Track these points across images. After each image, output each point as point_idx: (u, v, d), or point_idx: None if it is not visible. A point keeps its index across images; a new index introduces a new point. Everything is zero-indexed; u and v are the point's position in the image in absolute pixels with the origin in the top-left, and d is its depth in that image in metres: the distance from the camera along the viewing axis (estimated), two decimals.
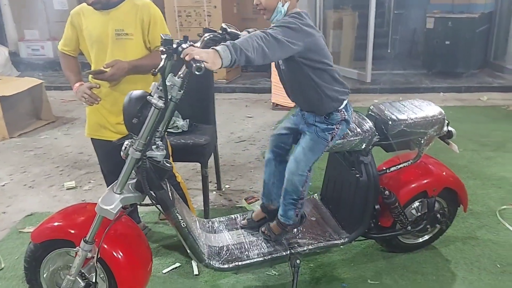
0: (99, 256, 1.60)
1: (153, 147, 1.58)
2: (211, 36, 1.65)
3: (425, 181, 2.06)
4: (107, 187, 2.24)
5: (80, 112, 4.94)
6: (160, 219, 2.59)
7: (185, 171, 3.27)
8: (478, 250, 2.28)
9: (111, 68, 1.93)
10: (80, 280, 1.66)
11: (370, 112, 2.02)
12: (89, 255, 1.61)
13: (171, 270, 2.17)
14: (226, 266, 1.81)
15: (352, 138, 1.86)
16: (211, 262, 1.79)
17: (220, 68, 1.39)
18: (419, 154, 2.01)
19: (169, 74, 1.50)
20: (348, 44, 6.39)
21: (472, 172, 3.18)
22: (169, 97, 1.49)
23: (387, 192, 1.96)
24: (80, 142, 3.99)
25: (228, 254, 1.86)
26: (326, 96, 1.73)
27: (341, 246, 2.02)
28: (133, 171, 1.58)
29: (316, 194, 2.31)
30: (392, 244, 2.19)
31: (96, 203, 1.59)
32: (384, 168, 2.05)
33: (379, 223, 2.05)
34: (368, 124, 1.91)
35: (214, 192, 3.00)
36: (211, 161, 2.69)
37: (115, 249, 1.65)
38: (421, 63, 6.51)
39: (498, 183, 3.01)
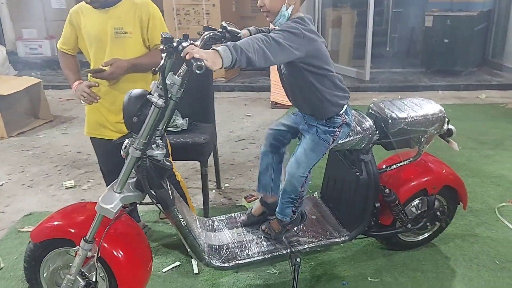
0: (99, 255, 1.60)
1: (153, 146, 1.57)
2: (211, 34, 1.64)
3: (425, 179, 2.06)
4: (107, 186, 2.24)
5: (79, 111, 4.93)
6: (160, 218, 2.58)
7: (185, 170, 3.27)
8: (477, 247, 2.28)
9: (110, 66, 1.93)
10: (80, 279, 1.65)
11: (370, 111, 2.02)
12: (89, 254, 1.61)
13: (171, 269, 2.16)
14: (226, 264, 1.81)
15: (352, 137, 1.86)
16: (212, 261, 1.79)
17: (221, 68, 1.38)
18: (419, 152, 2.02)
19: (169, 73, 1.50)
20: (347, 42, 6.39)
21: (471, 170, 3.19)
22: (169, 95, 1.48)
23: (387, 190, 1.97)
24: (78, 141, 3.98)
25: (228, 252, 1.86)
26: (327, 101, 1.73)
27: (342, 244, 2.03)
28: (133, 170, 1.58)
29: (316, 193, 2.32)
30: (392, 242, 2.20)
31: (95, 202, 1.59)
32: (384, 166, 2.06)
33: (379, 221, 2.06)
34: (368, 123, 1.91)
35: (214, 191, 3.00)
36: (210, 160, 2.68)
37: (115, 248, 1.64)
38: (419, 61, 6.51)
39: (497, 180, 3.02)
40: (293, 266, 1.89)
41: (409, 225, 2.06)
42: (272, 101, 4.97)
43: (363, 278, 2.07)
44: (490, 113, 4.68)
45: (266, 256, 1.86)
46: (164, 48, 1.42)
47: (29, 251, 1.70)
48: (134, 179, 1.61)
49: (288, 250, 1.89)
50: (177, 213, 1.66)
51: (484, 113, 4.68)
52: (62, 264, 1.73)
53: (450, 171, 2.15)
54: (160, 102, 1.47)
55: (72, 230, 1.65)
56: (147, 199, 1.63)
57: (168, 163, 1.61)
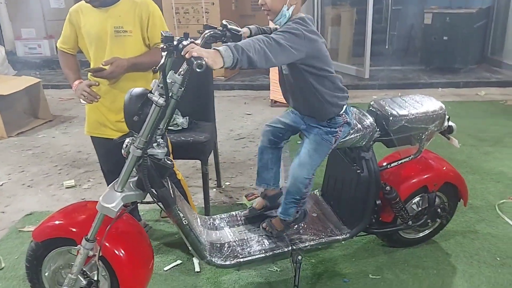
0: (100, 254, 1.60)
1: (154, 144, 1.57)
2: (212, 32, 1.64)
3: (425, 176, 2.06)
4: (107, 185, 2.24)
5: (78, 111, 4.92)
6: (162, 217, 2.59)
7: (185, 169, 3.27)
8: (477, 243, 2.29)
9: (110, 65, 1.93)
10: (82, 279, 1.65)
11: (371, 108, 2.01)
12: (91, 253, 1.61)
13: (172, 267, 2.17)
14: (227, 262, 1.81)
15: (353, 135, 1.86)
16: (213, 259, 1.79)
17: (222, 67, 1.37)
18: (419, 150, 2.02)
19: (170, 71, 1.49)
20: (346, 40, 6.39)
21: (471, 167, 3.19)
22: (170, 94, 1.48)
23: (388, 187, 1.97)
24: (78, 140, 3.98)
25: (229, 250, 1.86)
26: (327, 103, 1.74)
27: (343, 242, 2.03)
28: (134, 169, 1.58)
29: (317, 190, 2.32)
30: (393, 239, 2.20)
31: (96, 201, 1.59)
32: (385, 163, 2.06)
33: (380, 219, 2.06)
34: (369, 120, 1.91)
35: (214, 189, 3.00)
36: (211, 159, 2.68)
37: (116, 247, 1.65)
38: (419, 59, 6.52)
39: (497, 177, 3.02)
40: (294, 264, 1.89)
41: (410, 222, 2.07)
42: (271, 100, 4.97)
43: (364, 275, 2.08)
44: (489, 110, 4.68)
45: (267, 254, 1.86)
46: (165, 47, 1.42)
47: (31, 250, 1.70)
48: (135, 178, 1.61)
49: (289, 248, 1.89)
50: (178, 211, 1.66)
51: (484, 110, 4.68)
52: (64, 263, 1.73)
53: (450, 168, 2.15)
54: (161, 101, 1.47)
55: (74, 229, 1.65)
56: (148, 198, 1.63)
57: (169, 162, 1.61)
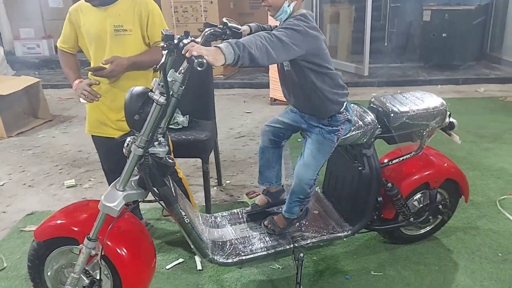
0: (103, 253, 1.60)
1: (155, 143, 1.57)
2: (212, 31, 1.64)
3: (427, 172, 2.06)
4: (108, 184, 2.25)
5: (78, 110, 4.92)
6: (164, 216, 2.59)
7: (186, 167, 3.27)
8: (479, 239, 2.29)
9: (110, 64, 1.92)
10: (84, 278, 1.65)
11: (372, 105, 2.02)
12: (93, 252, 1.61)
13: (174, 266, 2.17)
14: (230, 260, 1.81)
15: (354, 132, 1.86)
16: (215, 257, 1.79)
17: (223, 64, 1.37)
18: (421, 146, 2.02)
19: (170, 70, 1.49)
20: (345, 38, 6.39)
21: (471, 163, 3.20)
22: (171, 93, 1.48)
23: (389, 184, 1.97)
24: (78, 140, 3.97)
25: (231, 248, 1.86)
26: (328, 100, 1.74)
27: (344, 239, 2.03)
28: (135, 168, 1.57)
29: (318, 188, 2.31)
30: (395, 235, 2.20)
31: (97, 200, 1.59)
32: (386, 160, 2.06)
33: (381, 215, 2.06)
34: (370, 117, 1.91)
35: (215, 188, 3.00)
36: (211, 157, 2.68)
37: (119, 246, 1.64)
38: (418, 56, 6.52)
39: (497, 173, 3.03)
40: (296, 261, 1.89)
41: (411, 219, 2.07)
42: (271, 98, 4.97)
43: (366, 272, 2.08)
44: (489, 106, 4.69)
45: (269, 252, 1.86)
46: (165, 46, 1.42)
47: (33, 250, 1.70)
48: (137, 177, 1.61)
49: (291, 245, 1.89)
50: (180, 210, 1.66)
51: (483, 106, 4.69)
52: (66, 263, 1.74)
53: (451, 165, 2.15)
54: (162, 99, 1.47)
55: (76, 229, 1.65)
56: (150, 196, 1.63)
57: (170, 161, 1.61)
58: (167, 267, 2.16)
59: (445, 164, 2.14)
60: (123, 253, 1.64)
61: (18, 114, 4.44)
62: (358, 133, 1.87)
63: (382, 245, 2.27)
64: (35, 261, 1.71)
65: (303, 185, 1.81)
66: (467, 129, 3.84)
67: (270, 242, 1.91)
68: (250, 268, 2.12)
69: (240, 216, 2.08)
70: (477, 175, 3.00)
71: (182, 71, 1.49)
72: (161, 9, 2.13)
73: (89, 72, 2.00)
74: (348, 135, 1.86)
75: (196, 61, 1.28)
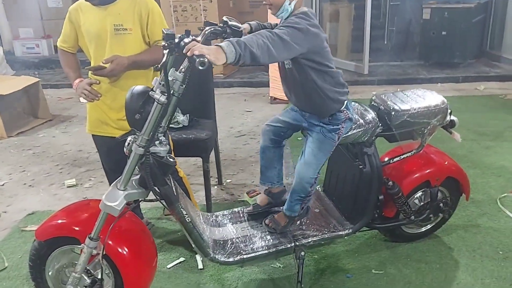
0: (104, 252, 1.60)
1: (156, 142, 1.57)
2: (212, 29, 1.64)
3: (428, 170, 2.06)
4: (109, 184, 2.25)
5: (77, 110, 4.91)
6: (165, 215, 2.59)
7: (186, 166, 3.26)
8: (479, 237, 2.29)
9: (110, 63, 1.92)
10: (85, 277, 1.65)
11: (372, 103, 2.01)
12: (94, 252, 1.61)
13: (175, 265, 2.17)
14: (231, 259, 1.81)
15: (355, 130, 1.86)
16: (216, 256, 1.79)
17: (225, 63, 1.37)
18: (422, 144, 2.02)
19: (171, 69, 1.49)
20: (345, 36, 6.38)
21: (471, 161, 3.20)
22: (171, 92, 1.48)
23: (390, 182, 1.97)
24: (78, 140, 3.97)
25: (233, 247, 1.86)
26: (328, 98, 1.73)
27: (345, 237, 2.03)
28: (136, 167, 1.57)
29: (319, 186, 2.31)
30: (396, 234, 2.20)
31: (99, 200, 1.59)
32: (387, 158, 2.06)
33: (382, 214, 2.06)
34: (371, 115, 1.91)
35: (216, 187, 3.00)
36: (211, 156, 2.68)
37: (120, 245, 1.65)
38: (418, 54, 6.50)
39: (498, 171, 3.03)
40: (298, 260, 1.89)
41: (412, 217, 2.07)
42: (271, 97, 4.96)
43: (367, 270, 2.08)
44: (489, 104, 4.68)
45: (270, 250, 1.86)
46: (166, 45, 1.41)
47: (34, 249, 1.70)
48: (138, 176, 1.61)
49: (292, 244, 1.89)
50: (182, 209, 1.66)
51: (483, 104, 4.68)
52: (67, 262, 1.74)
53: (452, 163, 2.15)
54: (163, 98, 1.46)
55: (77, 228, 1.65)
56: (151, 195, 1.63)
57: (171, 160, 1.60)
58: (168, 266, 2.16)
59: (446, 162, 2.14)
60: (125, 253, 1.65)
61: (18, 114, 4.44)
62: (359, 131, 1.87)
63: (383, 243, 2.27)
64: (37, 261, 1.71)
65: (304, 183, 1.81)
66: (467, 127, 3.84)
67: (271, 240, 1.91)
68: (251, 267, 2.12)
69: (241, 215, 2.08)
70: (478, 173, 3.00)
71: (183, 70, 1.49)
72: (160, 8, 2.12)
73: (90, 72, 2.00)
74: (349, 134, 1.86)
75: (197, 60, 1.28)
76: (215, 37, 1.68)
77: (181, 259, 2.21)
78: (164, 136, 1.61)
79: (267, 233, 1.95)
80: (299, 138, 1.97)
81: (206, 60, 1.29)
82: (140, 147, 1.52)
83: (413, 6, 6.70)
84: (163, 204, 1.65)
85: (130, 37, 2.00)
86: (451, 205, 2.18)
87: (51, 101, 5.05)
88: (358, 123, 1.87)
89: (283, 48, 1.48)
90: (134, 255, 1.67)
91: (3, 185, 3.18)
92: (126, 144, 1.58)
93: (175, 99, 1.51)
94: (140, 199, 1.66)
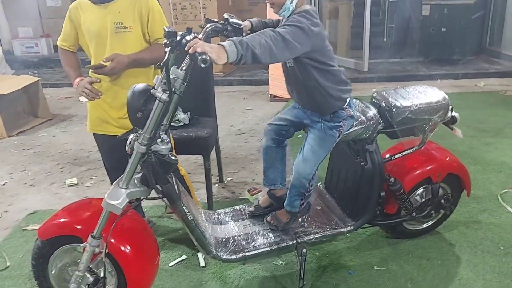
0: (107, 251, 1.60)
1: (158, 141, 1.57)
2: (213, 26, 1.63)
3: (429, 167, 2.07)
4: (110, 182, 2.25)
5: (77, 109, 4.91)
6: (167, 213, 2.59)
7: (187, 165, 3.26)
8: (481, 233, 2.30)
9: (110, 62, 1.92)
10: (88, 276, 1.65)
11: (374, 100, 2.01)
12: (97, 250, 1.61)
13: (177, 263, 2.17)
14: (233, 257, 1.81)
15: (357, 127, 1.86)
16: (219, 254, 1.79)
17: (226, 63, 1.36)
18: (423, 141, 2.02)
19: (172, 67, 1.49)
20: (344, 33, 6.38)
21: (472, 157, 3.20)
22: (173, 90, 1.48)
23: (392, 179, 1.97)
24: (79, 139, 3.97)
25: (235, 245, 1.86)
26: (330, 97, 1.73)
27: (347, 234, 2.03)
28: (138, 166, 1.57)
29: (320, 183, 2.32)
30: (397, 230, 2.21)
31: (100, 199, 1.59)
32: (389, 155, 2.06)
33: (384, 210, 2.06)
34: (372, 112, 1.90)
35: (217, 185, 3.00)
36: (212, 154, 2.68)
37: (122, 243, 1.65)
38: (417, 51, 6.51)
39: (498, 167, 3.03)
40: (299, 257, 1.89)
41: (414, 214, 2.07)
42: (271, 95, 4.96)
43: (369, 267, 2.08)
44: (489, 101, 4.69)
45: (272, 248, 1.87)
46: (168, 42, 1.41)
47: (37, 248, 1.70)
48: (140, 175, 1.61)
49: (294, 241, 1.89)
50: (184, 207, 1.66)
51: (483, 101, 4.69)
52: (70, 261, 1.74)
53: (454, 159, 2.15)
54: (164, 96, 1.46)
55: (79, 227, 1.65)
56: (153, 194, 1.63)
57: (173, 158, 1.61)
58: (170, 264, 2.16)
59: (447, 159, 2.15)
60: (127, 251, 1.65)
61: (18, 113, 4.44)
62: (360, 128, 1.87)
63: (385, 240, 2.28)
64: (39, 260, 1.71)
65: (302, 179, 1.81)
66: (467, 123, 3.84)
67: (273, 238, 1.91)
68: (253, 265, 2.12)
69: (243, 213, 2.08)
70: (479, 169, 3.00)
71: (184, 68, 1.49)
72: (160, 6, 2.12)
73: (90, 70, 2.00)
74: (350, 131, 1.85)
75: (199, 58, 1.28)
76: (216, 34, 1.67)
77: (183, 257, 2.21)
78: (165, 134, 1.61)
79: (269, 230, 1.95)
80: (299, 136, 1.97)
81: (208, 57, 1.28)
82: (142, 145, 1.52)
83: (412, 3, 6.68)
84: (165, 202, 1.65)
85: (130, 35, 2.00)
86: (452, 201, 2.19)
87: (51, 100, 5.05)
88: (359, 120, 1.87)
89: (285, 48, 1.47)
90: (136, 253, 1.67)
91: (4, 184, 3.18)
92: (128, 142, 1.58)
93: (177, 97, 1.51)
94: (142, 198, 1.66)
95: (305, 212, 1.96)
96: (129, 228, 1.71)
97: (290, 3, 1.60)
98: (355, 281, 2.00)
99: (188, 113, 2.60)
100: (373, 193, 1.96)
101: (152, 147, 1.54)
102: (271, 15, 1.70)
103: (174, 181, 1.70)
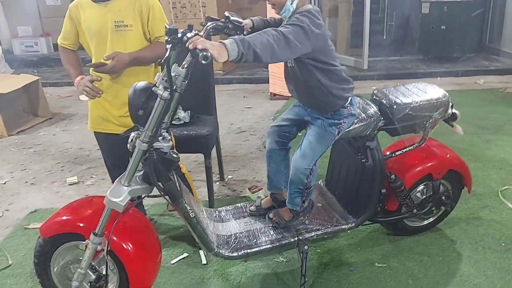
0: (109, 248, 1.60)
1: (160, 138, 1.57)
2: (214, 24, 1.64)
3: (430, 164, 2.07)
4: (111, 180, 2.26)
5: (77, 108, 4.90)
6: (169, 210, 2.59)
7: (187, 163, 3.27)
8: (482, 230, 2.30)
9: (111, 60, 1.92)
10: (90, 273, 1.66)
11: (374, 97, 2.01)
12: (99, 247, 1.61)
13: (179, 260, 2.18)
14: (235, 254, 1.82)
15: (357, 124, 1.86)
16: (221, 251, 1.80)
17: (227, 61, 1.36)
18: (424, 138, 2.02)
19: (174, 65, 1.49)
20: (344, 31, 6.37)
21: (472, 154, 3.20)
22: (174, 87, 1.48)
23: (393, 176, 1.98)
24: (79, 137, 3.97)
25: (236, 242, 1.87)
26: (332, 96, 1.73)
27: (348, 231, 2.04)
28: (140, 163, 1.58)
29: (321, 181, 2.32)
30: (398, 227, 2.21)
31: (102, 196, 1.60)
32: (389, 152, 2.06)
33: (385, 207, 2.07)
34: (373, 109, 1.91)
35: (217, 183, 3.00)
36: (213, 152, 2.68)
37: (124, 241, 1.65)
38: (417, 49, 6.51)
39: (499, 164, 3.04)
40: (301, 254, 1.90)
41: (414, 210, 2.08)
42: (271, 93, 4.95)
43: (370, 263, 2.09)
44: (489, 98, 4.69)
45: (274, 245, 1.87)
46: (169, 39, 1.41)
47: (39, 246, 1.70)
48: (141, 172, 1.61)
49: (296, 238, 1.90)
50: (185, 204, 1.67)
51: (483, 98, 4.69)
52: (72, 259, 1.74)
53: (454, 156, 2.16)
54: (166, 94, 1.47)
55: (81, 224, 1.66)
56: (155, 191, 1.63)
57: (174, 155, 1.61)
58: (172, 262, 2.17)
59: (448, 155, 2.15)
60: (129, 248, 1.65)
61: (18, 112, 4.44)
62: (361, 125, 1.87)
63: (386, 237, 2.28)
64: (41, 258, 1.72)
65: (300, 174, 1.81)
66: (467, 121, 3.84)
67: (275, 235, 1.91)
68: (254, 262, 2.12)
69: (244, 210, 2.09)
70: (479, 166, 3.01)
71: (185, 65, 1.49)
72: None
73: (91, 69, 2.00)
74: (351, 128, 1.86)
75: (200, 54, 1.28)
76: (217, 32, 1.68)
77: (185, 254, 2.21)
78: (167, 132, 1.61)
79: (270, 227, 1.95)
80: (299, 134, 1.96)
81: (209, 54, 1.29)
82: (143, 142, 1.52)
83: (412, 1, 6.69)
84: (167, 200, 1.65)
85: (131, 33, 2.00)
86: (453, 198, 2.19)
87: (50, 99, 5.04)
88: (360, 117, 1.87)
89: (287, 48, 1.47)
90: (138, 250, 1.68)
91: (4, 183, 3.18)
92: (130, 140, 1.58)
93: (178, 95, 1.52)
94: (144, 195, 1.66)
95: (308, 211, 1.95)
96: (131, 225, 1.71)
97: (291, 4, 1.60)
98: (356, 278, 2.01)
99: (189, 111, 2.60)
100: (374, 190, 1.97)
101: (153, 144, 1.54)
102: (271, 13, 1.70)
103: (176, 179, 1.71)
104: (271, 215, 1.96)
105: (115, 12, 1.97)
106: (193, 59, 1.44)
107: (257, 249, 1.85)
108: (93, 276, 1.66)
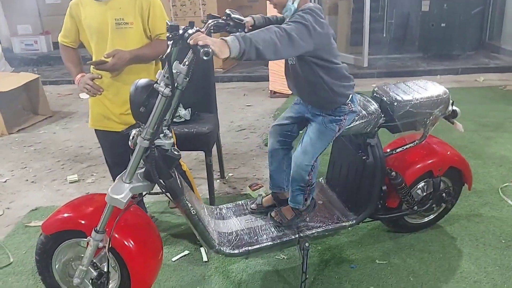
0: (110, 245, 1.60)
1: (161, 135, 1.57)
2: (215, 22, 1.64)
3: (430, 161, 2.07)
4: (112, 178, 2.26)
5: (77, 106, 4.89)
6: (170, 207, 2.59)
7: (188, 161, 3.27)
8: (482, 226, 2.31)
9: (112, 58, 1.92)
10: (92, 270, 1.66)
11: (375, 94, 2.01)
12: (101, 244, 1.61)
13: (180, 258, 2.18)
14: (236, 251, 1.82)
15: (358, 121, 1.86)
16: (222, 248, 1.80)
17: (228, 57, 1.36)
18: (424, 135, 2.02)
19: (175, 62, 1.49)
20: (344, 29, 6.37)
21: (472, 152, 3.21)
22: (175, 84, 1.48)
23: (393, 173, 1.98)
24: (79, 135, 3.96)
25: (237, 239, 1.87)
26: (334, 93, 1.73)
27: (349, 228, 2.04)
28: (141, 160, 1.58)
29: (321, 178, 2.32)
30: (399, 224, 2.22)
31: (103, 194, 1.60)
32: (390, 149, 2.06)
33: (386, 204, 2.07)
34: (374, 106, 1.91)
35: (218, 181, 3.01)
36: (213, 150, 2.68)
37: (126, 238, 1.65)
38: (417, 47, 6.52)
39: (499, 161, 3.04)
40: (302, 251, 1.90)
41: (415, 207, 2.08)
42: (271, 90, 4.96)
43: (371, 260, 2.09)
44: (489, 95, 4.69)
45: (275, 242, 1.87)
46: (170, 36, 1.41)
47: (41, 243, 1.71)
48: (143, 169, 1.62)
49: (297, 235, 1.90)
50: (187, 202, 1.67)
51: (483, 96, 4.69)
52: (74, 256, 1.75)
53: (455, 153, 2.16)
54: (167, 91, 1.46)
55: (83, 222, 1.66)
56: (156, 189, 1.63)
57: (176, 153, 1.61)
58: (173, 259, 2.17)
59: (448, 152, 2.15)
60: (131, 245, 1.65)
61: (18, 110, 4.44)
62: (362, 122, 1.88)
63: (386, 234, 2.29)
64: (43, 255, 1.72)
65: (301, 171, 1.81)
66: (467, 118, 3.84)
67: (276, 232, 1.92)
68: (255, 259, 2.13)
69: (245, 208, 2.09)
70: (479, 163, 3.01)
71: (187, 62, 1.49)
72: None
73: (91, 66, 2.00)
74: (352, 125, 1.86)
75: (201, 50, 1.28)
76: (218, 29, 1.67)
77: (186, 252, 2.22)
78: (168, 129, 1.61)
79: (271, 225, 1.96)
80: (300, 132, 1.97)
81: (210, 50, 1.29)
82: (145, 140, 1.52)
83: None
84: (168, 197, 1.65)
85: (131, 31, 2.00)
86: (453, 195, 2.20)
87: (50, 98, 5.04)
88: (361, 114, 1.87)
89: (290, 45, 1.46)
90: (140, 248, 1.68)
91: (5, 181, 3.18)
92: (131, 137, 1.58)
93: (179, 92, 1.52)
94: (145, 192, 1.66)
95: (310, 210, 1.95)
96: (132, 223, 1.71)
97: (292, 3, 1.60)
98: (357, 274, 2.01)
99: (189, 109, 2.60)
100: (374, 187, 1.97)
101: (155, 141, 1.54)
102: (271, 11, 1.70)
103: (177, 176, 1.71)
104: (273, 214, 1.97)
105: (116, 10, 1.97)
106: (194, 56, 1.44)
107: (258, 246, 1.85)
108: (95, 273, 1.66)
